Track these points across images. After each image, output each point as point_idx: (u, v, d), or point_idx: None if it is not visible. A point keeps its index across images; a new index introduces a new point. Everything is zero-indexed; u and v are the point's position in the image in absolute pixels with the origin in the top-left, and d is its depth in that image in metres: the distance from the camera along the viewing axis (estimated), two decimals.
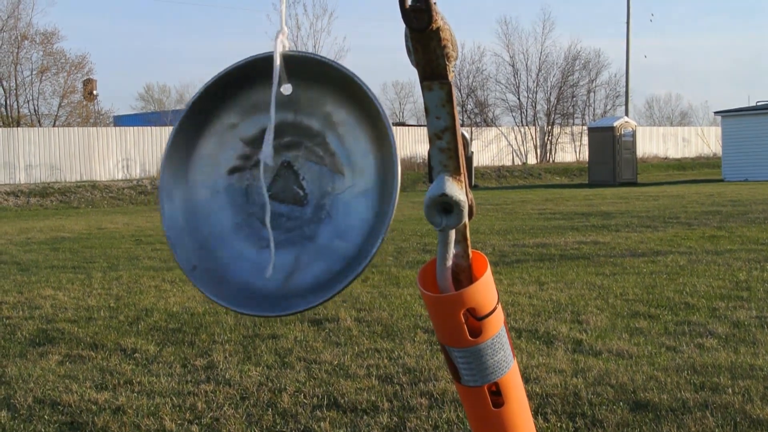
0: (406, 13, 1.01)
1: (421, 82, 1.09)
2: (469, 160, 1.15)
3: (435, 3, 1.03)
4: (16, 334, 5.34)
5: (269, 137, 1.18)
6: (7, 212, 20.40)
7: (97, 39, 61.38)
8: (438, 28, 1.03)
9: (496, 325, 1.19)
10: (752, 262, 7.58)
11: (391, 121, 1.21)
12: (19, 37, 34.80)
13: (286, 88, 1.19)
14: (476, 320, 1.17)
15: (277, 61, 1.15)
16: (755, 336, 4.70)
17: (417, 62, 1.08)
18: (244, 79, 1.24)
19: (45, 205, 21.98)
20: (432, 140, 1.12)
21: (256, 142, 1.26)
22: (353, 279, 1.20)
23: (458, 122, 1.12)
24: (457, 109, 1.07)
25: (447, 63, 1.06)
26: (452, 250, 1.15)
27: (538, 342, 4.68)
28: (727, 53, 71.06)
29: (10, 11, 34.19)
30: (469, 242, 1.20)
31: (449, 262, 1.16)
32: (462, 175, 1.12)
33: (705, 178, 27.97)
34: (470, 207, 1.14)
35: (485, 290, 1.18)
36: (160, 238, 11.56)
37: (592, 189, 23.57)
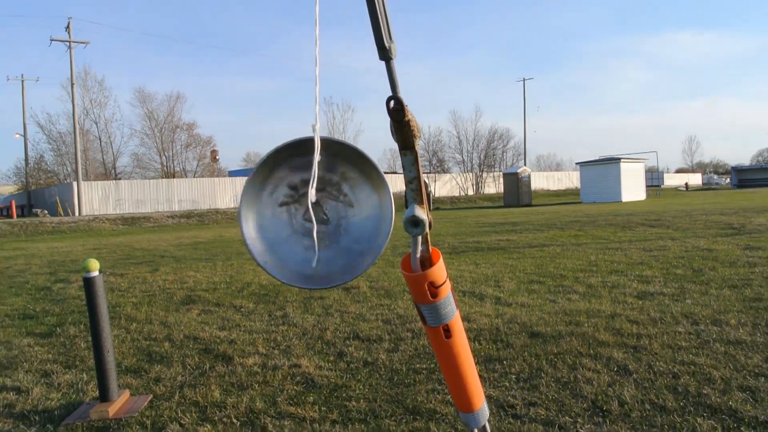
0: (390, 112, 1.33)
1: (399, 150, 1.42)
2: (429, 194, 2.13)
3: (406, 105, 1.34)
4: (173, 298, 6.92)
5: (313, 185, 1.45)
6: (168, 227, 27.06)
7: (219, 124, 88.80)
8: (408, 120, 1.34)
9: (446, 291, 1.48)
10: (599, 249, 9.82)
11: (385, 172, 2.15)
12: (173, 127, 55.55)
13: (318, 157, 1.47)
14: (434, 288, 1.45)
15: (317, 141, 1.47)
16: (600, 292, 6.27)
17: (396, 139, 1.38)
18: (293, 149, 1.55)
19: (189, 223, 29.62)
20: (407, 184, 1.46)
21: (297, 187, 1.61)
22: (366, 268, 1.53)
23: (421, 173, 1.46)
24: (422, 165, 1.45)
25: (414, 140, 1.39)
26: (420, 248, 1.46)
27: (474, 298, 6.21)
28: (580, 129, 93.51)
29: (169, 111, 54.74)
30: (429, 243, 1.47)
31: (418, 255, 1.45)
32: (425, 204, 1.43)
33: (571, 201, 37.35)
34: (430, 222, 1.44)
35: (439, 271, 1.47)
36: None
37: (506, 209, 30.61)
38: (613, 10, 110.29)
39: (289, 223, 1.64)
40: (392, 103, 1.30)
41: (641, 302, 5.69)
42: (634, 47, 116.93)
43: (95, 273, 3.55)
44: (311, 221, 1.54)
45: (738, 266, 7.45)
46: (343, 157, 1.60)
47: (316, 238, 1.54)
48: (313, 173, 1.44)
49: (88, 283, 3.55)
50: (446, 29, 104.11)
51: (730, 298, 5.65)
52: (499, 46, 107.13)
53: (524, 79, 61.07)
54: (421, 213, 1.42)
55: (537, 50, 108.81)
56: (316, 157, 1.45)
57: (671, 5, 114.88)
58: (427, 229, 1.43)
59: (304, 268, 1.60)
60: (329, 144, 1.56)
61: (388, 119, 1.36)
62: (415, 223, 1.43)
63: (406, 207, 1.46)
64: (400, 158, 1.40)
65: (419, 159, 1.42)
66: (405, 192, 1.47)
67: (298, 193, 1.62)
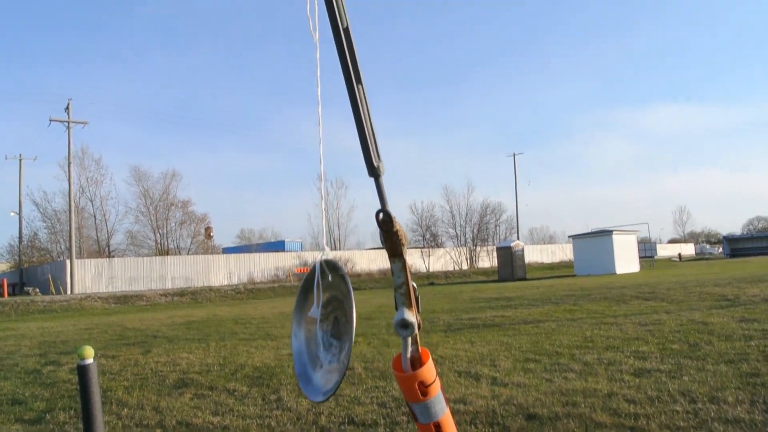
0: (379, 223, 1.41)
1: (389, 257, 1.48)
2: (417, 298, 1.51)
3: (394, 217, 1.40)
4: (165, 381, 6.85)
5: (318, 303, 1.60)
6: (161, 306, 26.67)
7: (214, 201, 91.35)
8: (396, 230, 1.42)
9: (436, 390, 1.52)
10: (594, 324, 9.78)
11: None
12: (168, 204, 54.93)
13: (327, 281, 1.60)
14: (425, 387, 1.50)
15: (318, 268, 1.61)
16: (596, 370, 6.20)
17: (385, 247, 1.46)
18: (313, 275, 1.67)
19: (183, 301, 29.15)
20: (396, 289, 1.51)
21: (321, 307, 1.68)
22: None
23: (410, 278, 1.50)
24: (409, 270, 1.49)
25: (402, 247, 1.45)
26: (410, 348, 1.50)
27: (470, 379, 6.17)
28: (572, 201, 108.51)
29: (164, 189, 54.34)
30: (419, 343, 1.52)
31: (408, 355, 1.50)
32: (413, 307, 1.49)
33: (565, 274, 37.02)
34: (419, 324, 1.50)
35: (429, 371, 1.51)
36: (249, 320, 14.17)
37: (500, 283, 30.66)
38: (595, 85, 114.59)
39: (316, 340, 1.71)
40: (381, 215, 1.39)
41: (638, 380, 5.66)
42: (619, 121, 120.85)
43: (90, 360, 3.55)
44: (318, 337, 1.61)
45: (734, 340, 7.45)
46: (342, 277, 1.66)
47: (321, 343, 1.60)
48: (315, 293, 1.50)
49: (82, 371, 3.54)
50: (436, 106, 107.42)
51: (727, 374, 5.64)
52: (489, 122, 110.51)
53: (514, 154, 62.53)
54: (411, 316, 1.47)
55: (525, 125, 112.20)
56: (317, 281, 1.52)
57: (650, 81, 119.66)
58: (417, 331, 1.48)
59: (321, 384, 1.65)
60: (334, 266, 1.63)
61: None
62: (404, 325, 1.47)
63: (396, 310, 1.51)
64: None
65: (407, 266, 1.48)
66: (395, 296, 1.52)
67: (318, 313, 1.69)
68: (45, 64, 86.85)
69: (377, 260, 46.96)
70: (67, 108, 37.22)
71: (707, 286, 15.79)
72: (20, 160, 47.93)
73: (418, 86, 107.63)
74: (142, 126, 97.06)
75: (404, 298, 1.49)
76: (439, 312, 13.93)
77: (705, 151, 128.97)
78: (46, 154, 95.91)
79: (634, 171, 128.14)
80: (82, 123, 37.87)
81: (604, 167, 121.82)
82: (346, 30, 1.27)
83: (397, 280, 1.50)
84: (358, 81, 1.31)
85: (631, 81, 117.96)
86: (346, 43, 1.27)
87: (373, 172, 1.37)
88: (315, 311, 1.53)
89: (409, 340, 1.50)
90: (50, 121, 37.03)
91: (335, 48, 1.27)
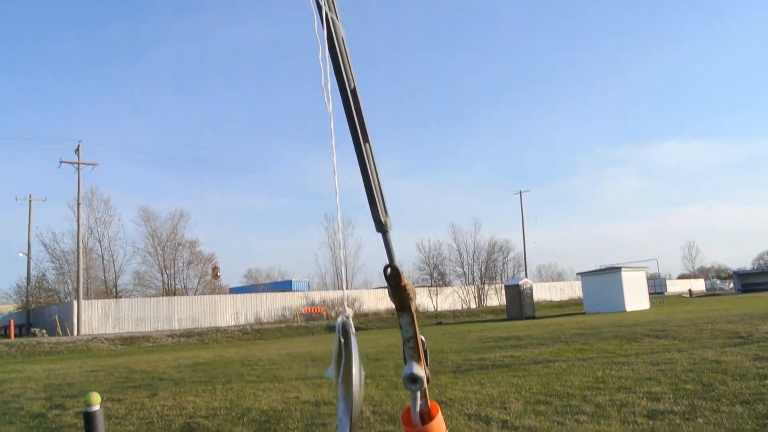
0: (387, 278, 1.42)
1: (396, 311, 1.49)
2: (425, 351, 1.50)
3: (402, 271, 1.43)
4: (172, 426, 6.78)
5: (334, 364, 1.52)
6: (167, 347, 26.67)
7: (221, 241, 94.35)
8: (404, 285, 1.42)
9: None
10: (605, 364, 9.61)
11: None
12: (176, 245, 55.04)
13: (348, 341, 1.51)
14: None
15: (338, 334, 1.51)
16: (608, 412, 6.13)
17: (393, 301, 1.47)
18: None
19: (189, 342, 28.88)
20: (404, 342, 1.51)
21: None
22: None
23: (418, 332, 1.50)
24: (418, 325, 1.48)
25: (410, 301, 1.46)
26: (419, 402, 1.50)
27: (480, 422, 6.06)
28: (579, 238, 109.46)
29: (172, 229, 54.68)
30: (428, 396, 1.52)
31: (418, 409, 1.50)
32: (422, 361, 1.49)
33: (574, 312, 36.17)
34: (427, 378, 1.50)
35: (438, 425, 1.50)
36: (256, 362, 14.06)
37: (509, 321, 30.03)
38: (601, 122, 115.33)
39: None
40: (389, 270, 1.40)
41: (651, 422, 5.56)
42: (626, 157, 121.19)
43: (96, 407, 3.53)
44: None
45: (748, 379, 7.32)
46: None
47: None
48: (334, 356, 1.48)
49: (89, 418, 3.52)
50: (443, 145, 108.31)
51: (743, 415, 5.53)
52: (495, 160, 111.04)
53: (521, 192, 62.59)
54: (419, 370, 1.48)
55: (532, 163, 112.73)
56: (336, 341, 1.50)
57: (657, 117, 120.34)
58: (425, 384, 1.49)
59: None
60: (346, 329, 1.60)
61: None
62: (413, 379, 1.49)
63: (405, 363, 1.52)
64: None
65: (416, 320, 1.48)
66: (403, 350, 1.53)
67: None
68: (57, 106, 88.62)
69: (385, 299, 46.65)
70: (78, 149, 37.72)
71: (719, 323, 15.58)
72: (30, 201, 48.45)
73: (424, 125, 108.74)
74: (151, 166, 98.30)
75: (413, 352, 1.50)
76: (447, 352, 13.77)
77: (713, 186, 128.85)
78: (56, 195, 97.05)
79: (642, 206, 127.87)
80: (92, 164, 38.35)
81: (611, 203, 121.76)
82: (354, 91, 1.31)
83: (406, 334, 1.51)
84: (366, 139, 1.34)
85: (637, 118, 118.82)
86: (353, 103, 1.30)
87: (381, 227, 1.39)
88: (330, 372, 1.51)
89: (418, 393, 1.50)
90: (61, 162, 37.50)
91: (343, 108, 1.30)
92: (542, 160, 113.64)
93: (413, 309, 1.49)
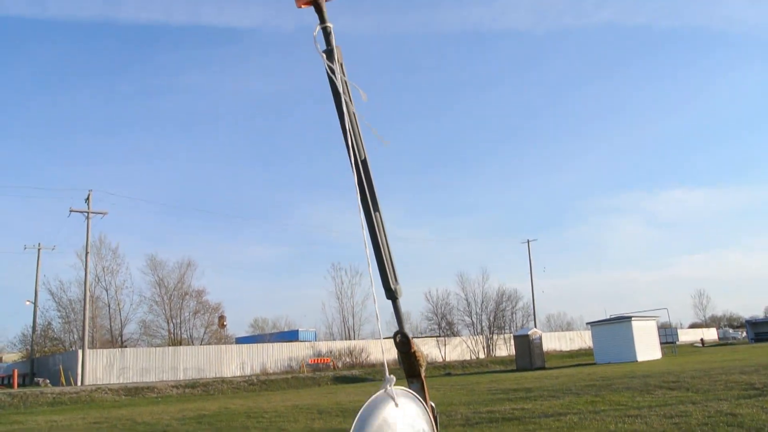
0: (397, 345, 1.44)
1: (406, 377, 1.50)
2: (436, 418, 1.48)
3: (412, 338, 1.43)
4: None
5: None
6: (172, 398, 26.60)
7: (228, 290, 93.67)
8: (414, 351, 1.44)
9: None
10: (618, 417, 9.45)
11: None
12: (183, 294, 54.86)
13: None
14: None
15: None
16: None
17: (403, 367, 1.47)
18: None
19: (194, 393, 28.75)
20: None
21: None
22: None
23: (428, 398, 1.46)
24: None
25: (420, 368, 1.46)
26: None
27: None
28: (588, 287, 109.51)
29: (179, 278, 54.62)
30: None
31: None
32: (433, 428, 1.45)
33: (584, 362, 35.61)
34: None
35: None
36: (262, 414, 13.89)
37: (519, 372, 29.81)
38: (606, 172, 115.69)
39: None
40: (399, 337, 1.43)
41: None
42: (632, 205, 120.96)
43: None
44: None
45: None
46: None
47: None
48: None
49: None
50: (447, 194, 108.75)
51: None
52: (502, 208, 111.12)
53: (528, 241, 62.44)
54: None
55: (538, 211, 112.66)
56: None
57: (657, 167, 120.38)
58: None
59: None
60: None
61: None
62: None
63: None
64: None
65: (426, 387, 1.49)
66: None
67: None
68: (67, 155, 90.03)
69: (392, 350, 46.03)
70: (88, 198, 38.15)
71: (733, 374, 15.28)
72: (39, 249, 48.72)
73: (428, 174, 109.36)
74: (160, 215, 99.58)
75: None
76: (456, 405, 13.53)
77: (720, 234, 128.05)
78: (65, 244, 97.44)
79: (650, 254, 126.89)
80: (101, 213, 38.69)
81: (619, 252, 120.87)
82: (364, 162, 1.35)
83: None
84: (376, 209, 1.38)
85: (641, 166, 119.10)
86: (364, 173, 1.35)
87: (391, 294, 1.42)
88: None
89: None
90: (71, 211, 37.88)
91: (354, 177, 1.35)
92: (548, 208, 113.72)
93: (423, 375, 1.48)
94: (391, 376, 1.37)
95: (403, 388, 1.47)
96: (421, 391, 1.49)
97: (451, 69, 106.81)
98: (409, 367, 1.48)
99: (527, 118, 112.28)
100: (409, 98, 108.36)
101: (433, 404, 1.51)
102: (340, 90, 1.26)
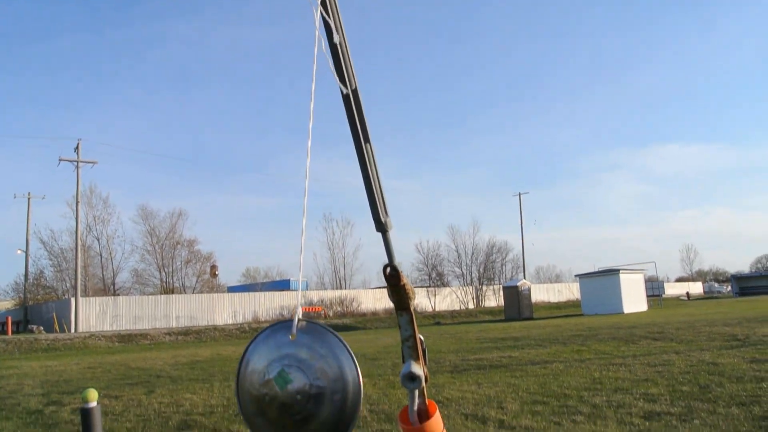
0: (386, 278, 1.45)
1: (396, 311, 1.52)
2: (424, 351, 1.51)
3: (401, 271, 1.44)
4: (168, 423, 6.79)
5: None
6: (165, 345, 26.48)
7: (220, 240, 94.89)
8: (404, 284, 1.45)
9: None
10: (602, 365, 9.62)
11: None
12: (174, 243, 55.02)
13: (293, 335, 1.50)
14: None
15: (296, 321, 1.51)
16: (605, 413, 6.15)
17: (392, 300, 1.50)
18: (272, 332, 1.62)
19: (187, 340, 28.99)
20: (403, 342, 1.52)
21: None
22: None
23: (417, 331, 1.51)
24: (416, 324, 1.47)
25: (409, 301, 1.49)
26: (417, 401, 1.52)
27: (477, 422, 6.06)
28: (578, 241, 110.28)
29: (170, 228, 54.71)
30: (426, 395, 1.55)
31: (415, 408, 1.53)
32: (421, 359, 1.51)
33: (572, 313, 36.22)
34: (426, 377, 1.52)
35: (436, 424, 1.53)
36: None
37: (507, 323, 29.85)
38: (600, 126, 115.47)
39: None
40: (388, 270, 1.41)
41: (648, 423, 5.57)
42: (624, 161, 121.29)
43: (93, 403, 3.53)
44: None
45: (745, 381, 7.35)
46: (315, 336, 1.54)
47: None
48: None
49: (86, 414, 3.52)
50: (442, 147, 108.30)
51: (739, 417, 5.55)
52: (495, 162, 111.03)
53: (520, 194, 62.58)
54: (418, 369, 1.50)
55: (531, 166, 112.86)
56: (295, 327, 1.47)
57: (654, 121, 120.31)
58: (424, 383, 1.51)
59: None
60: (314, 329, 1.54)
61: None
62: (411, 378, 1.50)
63: (403, 362, 1.53)
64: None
65: (414, 319, 1.49)
66: (402, 348, 1.54)
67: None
68: (57, 105, 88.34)
69: (383, 299, 46.63)
70: (77, 148, 37.69)
71: (716, 326, 15.61)
72: (29, 198, 48.39)
73: (423, 127, 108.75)
74: (151, 165, 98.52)
75: (411, 351, 1.51)
76: (445, 352, 13.78)
77: (711, 190, 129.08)
78: (55, 193, 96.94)
79: (641, 209, 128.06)
80: (91, 163, 38.29)
81: (610, 206, 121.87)
82: (355, 91, 1.32)
83: (405, 333, 1.52)
84: (366, 140, 1.35)
85: (634, 122, 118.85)
86: (355, 104, 1.31)
87: (381, 227, 1.41)
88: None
89: (416, 392, 1.51)
90: (60, 160, 37.44)
91: (344, 108, 1.31)
92: (541, 162, 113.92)
93: (412, 308, 1.49)
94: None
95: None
96: (409, 324, 1.49)
97: (446, 22, 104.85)
98: (399, 300, 1.49)
99: (522, 75, 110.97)
100: (402, 51, 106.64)
101: (421, 337, 1.52)
102: (321, 11, 1.22)
